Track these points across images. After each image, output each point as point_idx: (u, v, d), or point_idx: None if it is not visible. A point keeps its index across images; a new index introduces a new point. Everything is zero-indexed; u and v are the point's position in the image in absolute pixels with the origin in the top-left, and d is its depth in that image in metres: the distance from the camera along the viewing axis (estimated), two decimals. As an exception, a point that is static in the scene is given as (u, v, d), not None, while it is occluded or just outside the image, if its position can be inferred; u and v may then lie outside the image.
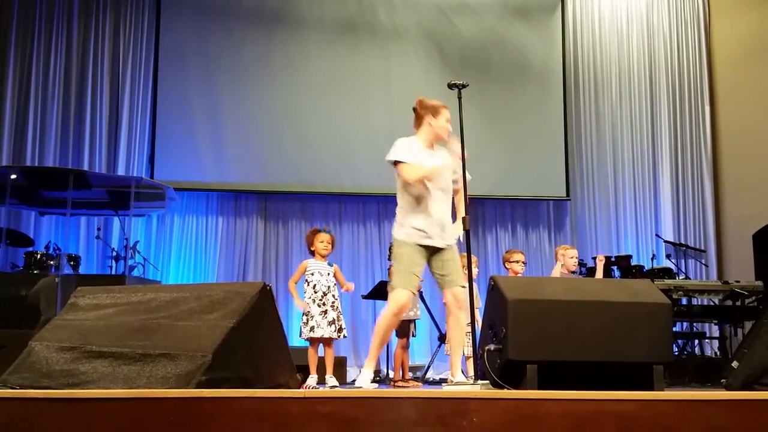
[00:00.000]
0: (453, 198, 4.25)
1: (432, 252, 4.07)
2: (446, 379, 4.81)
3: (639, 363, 3.21)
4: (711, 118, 9.08)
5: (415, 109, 4.25)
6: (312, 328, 5.12)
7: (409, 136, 4.22)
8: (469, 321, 3.94)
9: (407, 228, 4.05)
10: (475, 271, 5.82)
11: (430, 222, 4.03)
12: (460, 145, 3.90)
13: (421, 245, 4.03)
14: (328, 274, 5.28)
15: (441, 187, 4.09)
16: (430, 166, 4.03)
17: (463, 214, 3.98)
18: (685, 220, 8.91)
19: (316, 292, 5.20)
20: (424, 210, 4.03)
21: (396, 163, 4.05)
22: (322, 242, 5.30)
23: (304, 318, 5.19)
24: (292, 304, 7.42)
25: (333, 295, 5.25)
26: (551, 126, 8.74)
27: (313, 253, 5.36)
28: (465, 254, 3.91)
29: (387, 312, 4.02)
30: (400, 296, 3.97)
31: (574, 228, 8.84)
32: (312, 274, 5.26)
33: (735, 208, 8.75)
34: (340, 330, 5.20)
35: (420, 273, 4.09)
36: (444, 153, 4.22)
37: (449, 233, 4.11)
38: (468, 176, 4.01)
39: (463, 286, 4.05)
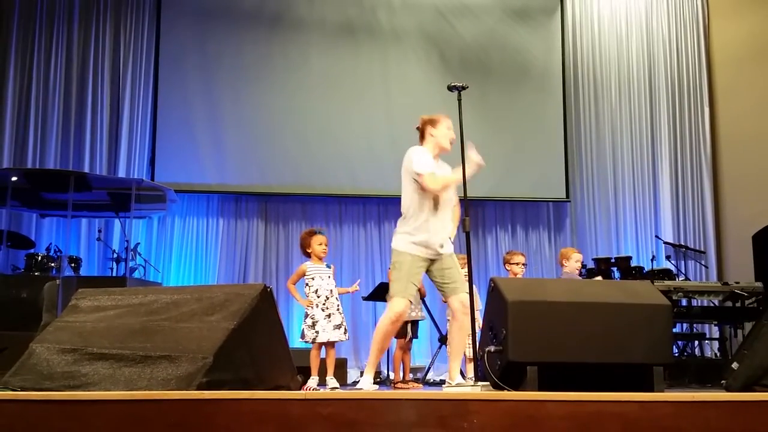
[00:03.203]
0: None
1: (431, 262, 4.11)
2: (446, 380, 4.82)
3: (639, 364, 3.20)
4: (710, 119, 9.09)
5: (417, 127, 4.29)
6: (318, 333, 5.09)
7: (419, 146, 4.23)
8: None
9: (409, 239, 4.07)
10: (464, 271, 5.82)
11: (432, 234, 4.06)
12: (476, 153, 3.94)
13: (422, 256, 4.06)
14: (329, 276, 5.24)
15: (445, 199, 4.14)
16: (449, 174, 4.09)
17: (456, 224, 4.16)
18: (685, 221, 8.92)
19: (318, 297, 5.17)
20: (427, 222, 4.05)
21: (419, 174, 4.02)
22: (320, 245, 5.27)
23: (309, 321, 5.14)
24: (293, 305, 7.46)
25: (336, 298, 5.22)
26: (551, 128, 8.75)
27: (309, 255, 5.33)
28: (464, 255, 3.93)
29: (385, 320, 4.06)
30: (398, 304, 4.01)
31: (574, 229, 8.84)
32: (312, 279, 5.21)
33: (734, 209, 8.76)
34: (345, 332, 5.20)
35: (419, 282, 4.17)
36: (447, 167, 4.27)
37: (448, 243, 4.17)
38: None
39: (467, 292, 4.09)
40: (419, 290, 5.86)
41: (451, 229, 4.29)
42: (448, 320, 6.03)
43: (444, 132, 4.19)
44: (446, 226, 4.16)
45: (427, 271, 4.15)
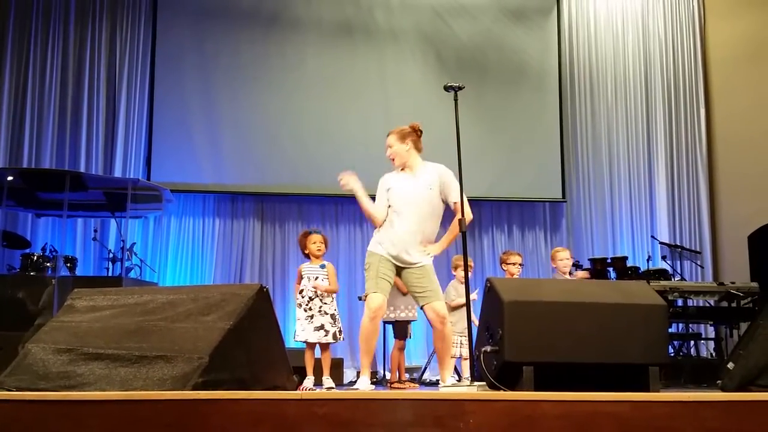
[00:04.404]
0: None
1: (402, 268, 4.28)
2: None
3: (635, 364, 3.21)
4: (706, 119, 9.10)
5: (419, 130, 4.51)
6: (297, 333, 5.14)
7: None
8: (466, 323, 3.96)
9: (376, 241, 4.32)
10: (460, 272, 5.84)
11: (397, 240, 4.24)
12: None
13: (387, 257, 4.25)
14: (316, 278, 5.21)
15: (416, 210, 4.28)
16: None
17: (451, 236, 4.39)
18: (681, 221, 8.93)
19: (303, 297, 5.18)
20: (393, 228, 4.27)
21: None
22: (314, 243, 5.27)
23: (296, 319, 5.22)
24: (289, 305, 7.47)
25: (321, 300, 5.19)
26: (547, 128, 8.75)
27: (307, 256, 5.33)
28: (461, 255, 3.94)
29: (364, 318, 4.21)
30: (372, 301, 4.16)
31: (570, 230, 8.85)
32: (302, 279, 5.25)
33: (730, 209, 8.77)
34: (335, 335, 5.15)
35: (390, 278, 4.28)
36: (429, 173, 4.37)
37: (419, 253, 4.27)
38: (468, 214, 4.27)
39: (441, 300, 4.28)
40: (400, 288, 5.84)
41: (435, 246, 4.36)
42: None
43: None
44: (414, 237, 4.27)
45: (402, 279, 4.34)
